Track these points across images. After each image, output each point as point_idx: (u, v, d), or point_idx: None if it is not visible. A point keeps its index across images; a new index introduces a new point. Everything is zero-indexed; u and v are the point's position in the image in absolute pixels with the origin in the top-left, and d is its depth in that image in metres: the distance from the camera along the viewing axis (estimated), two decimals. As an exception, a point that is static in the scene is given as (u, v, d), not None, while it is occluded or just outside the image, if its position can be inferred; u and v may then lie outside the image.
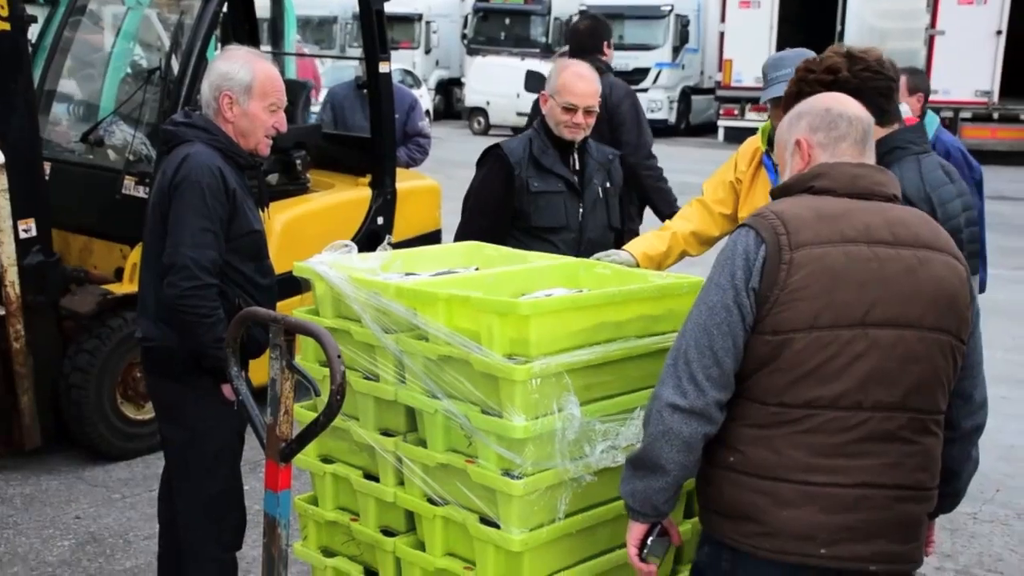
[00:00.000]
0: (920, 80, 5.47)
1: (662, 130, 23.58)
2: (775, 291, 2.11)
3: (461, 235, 3.74)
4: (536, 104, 4.26)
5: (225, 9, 6.16)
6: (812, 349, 2.11)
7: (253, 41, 6.58)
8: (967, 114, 18.79)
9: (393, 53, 22.17)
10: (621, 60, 23.64)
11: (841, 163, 2.25)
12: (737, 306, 2.14)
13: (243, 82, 3.20)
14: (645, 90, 23.52)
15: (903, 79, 5.39)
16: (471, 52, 24.95)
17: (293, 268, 3.02)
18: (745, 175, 3.64)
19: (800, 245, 2.12)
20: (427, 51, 25.91)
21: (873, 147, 2.30)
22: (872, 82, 2.75)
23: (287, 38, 7.41)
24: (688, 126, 24.55)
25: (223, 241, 3.15)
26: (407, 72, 20.86)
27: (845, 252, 2.12)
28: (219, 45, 7.21)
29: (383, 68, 6.00)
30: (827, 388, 2.11)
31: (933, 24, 19.03)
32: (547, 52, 24.55)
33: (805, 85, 2.85)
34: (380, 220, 6.14)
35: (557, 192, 3.78)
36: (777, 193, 2.32)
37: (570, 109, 3.74)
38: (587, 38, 5.60)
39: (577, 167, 3.86)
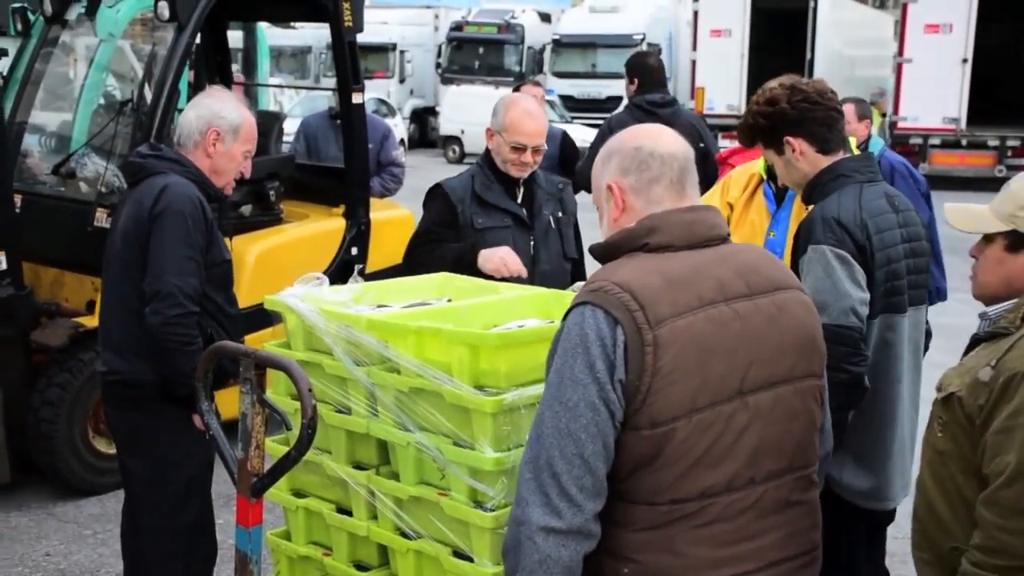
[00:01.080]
0: (865, 108, 5.63)
1: (636, 157, 23.80)
2: (645, 379, 1.82)
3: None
4: None
5: (198, 40, 6.19)
6: (697, 435, 1.86)
7: (225, 72, 6.59)
8: (936, 141, 18.99)
9: (367, 82, 22.25)
10: (594, 88, 23.90)
11: (673, 211, 1.98)
12: (604, 403, 1.83)
13: (233, 124, 3.32)
14: (619, 118, 23.66)
15: (850, 107, 5.52)
16: (445, 81, 25.08)
17: (264, 301, 3.01)
18: (738, 200, 3.65)
19: (660, 320, 1.84)
20: (401, 80, 26.00)
21: (695, 183, 2.05)
22: (811, 112, 2.84)
23: (260, 69, 7.42)
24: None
25: (203, 269, 3.20)
26: (381, 101, 20.92)
27: (708, 318, 1.88)
28: (191, 76, 7.23)
29: (356, 98, 6.02)
30: (718, 472, 1.88)
31: (901, 52, 19.26)
32: (521, 80, 24.70)
33: (750, 117, 2.95)
34: (354, 250, 6.14)
35: (503, 227, 3.69)
36: (600, 252, 2.04)
37: (518, 148, 3.65)
38: (659, 73, 5.87)
39: (522, 200, 3.78)
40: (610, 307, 1.85)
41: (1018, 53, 20.44)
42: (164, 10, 5.15)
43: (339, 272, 5.92)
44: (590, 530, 1.87)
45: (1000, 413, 2.02)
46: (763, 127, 2.93)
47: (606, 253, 2.01)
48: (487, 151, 3.78)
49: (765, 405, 1.93)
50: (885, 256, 2.82)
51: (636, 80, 6.00)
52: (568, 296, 3.22)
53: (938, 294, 5.10)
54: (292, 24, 9.57)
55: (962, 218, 2.36)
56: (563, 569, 1.85)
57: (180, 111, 7.15)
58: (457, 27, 25.98)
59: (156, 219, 3.17)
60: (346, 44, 5.95)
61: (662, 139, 2.05)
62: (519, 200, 3.81)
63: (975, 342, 2.27)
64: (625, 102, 6.30)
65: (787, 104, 2.87)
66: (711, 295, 1.90)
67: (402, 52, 25.88)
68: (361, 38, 5.97)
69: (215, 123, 3.30)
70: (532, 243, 3.80)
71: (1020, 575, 1.99)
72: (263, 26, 7.66)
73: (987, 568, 2.00)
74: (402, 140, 21.96)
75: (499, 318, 3.03)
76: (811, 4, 20.86)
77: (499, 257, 3.52)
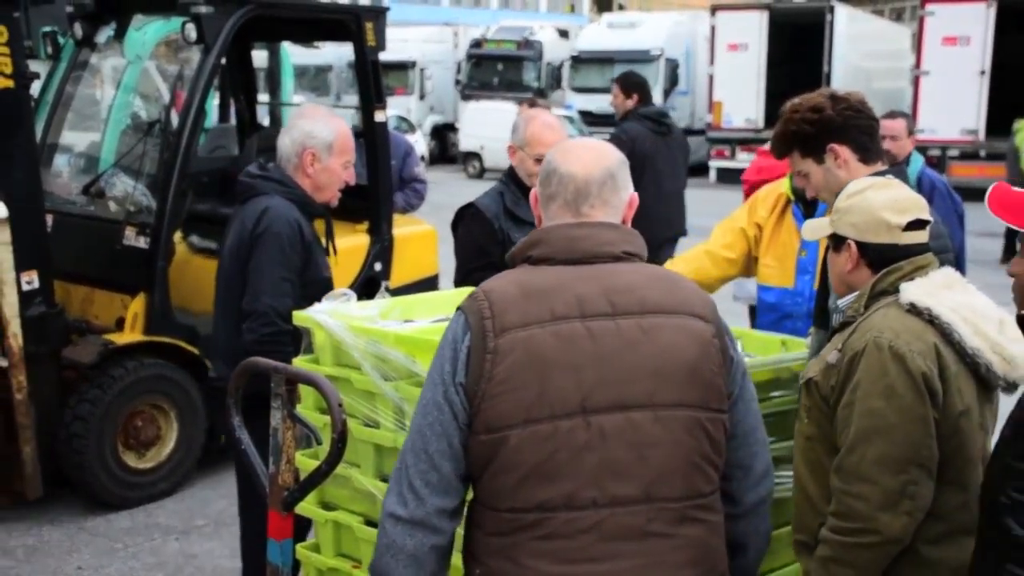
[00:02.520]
0: (912, 123, 5.65)
1: (654, 171, 23.83)
2: (482, 384, 1.87)
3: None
4: None
5: (224, 61, 6.30)
6: (531, 445, 1.86)
7: (250, 92, 6.69)
8: (954, 152, 18.98)
9: (388, 99, 22.37)
10: (613, 103, 23.91)
11: (559, 226, 1.99)
12: (448, 403, 1.90)
13: (326, 140, 3.47)
14: (637, 133, 23.69)
15: (901, 123, 5.54)
16: (465, 97, 25.20)
17: (293, 317, 3.08)
18: (767, 221, 3.64)
19: (505, 329, 1.87)
20: (421, 97, 26.14)
21: (605, 202, 2.02)
22: (855, 120, 2.87)
23: (284, 88, 7.52)
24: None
25: (298, 288, 3.37)
26: (402, 118, 21.04)
27: (555, 332, 1.87)
28: (217, 96, 7.34)
29: (379, 116, 6.10)
30: (556, 487, 1.87)
31: (918, 64, 19.28)
32: (540, 96, 24.79)
33: (792, 124, 2.95)
34: (378, 266, 6.21)
35: None
36: (508, 261, 2.09)
37: (540, 160, 3.73)
38: (649, 87, 6.57)
39: None
40: (469, 312, 1.93)
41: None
42: (192, 32, 5.25)
43: (363, 288, 5.99)
44: (434, 524, 1.93)
45: (846, 390, 2.20)
46: (807, 134, 2.92)
47: (509, 263, 2.07)
48: (511, 168, 3.85)
49: (612, 427, 1.88)
50: None
51: (636, 95, 6.72)
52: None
53: None
54: (315, 44, 9.63)
55: (813, 230, 2.52)
56: (408, 557, 1.93)
57: (206, 131, 7.36)
58: (476, 44, 26.11)
59: (256, 240, 3.36)
60: (369, 63, 6.04)
61: (569, 158, 2.05)
62: None
63: (832, 334, 2.42)
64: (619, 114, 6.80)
65: (832, 112, 2.88)
66: (565, 310, 1.90)
67: (422, 69, 26.03)
68: (382, 56, 6.06)
69: (308, 144, 3.45)
70: None
71: (866, 536, 2.14)
72: (286, 46, 7.75)
73: (840, 532, 2.17)
74: (422, 156, 22.07)
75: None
76: (828, 17, 20.89)
77: None
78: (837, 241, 2.40)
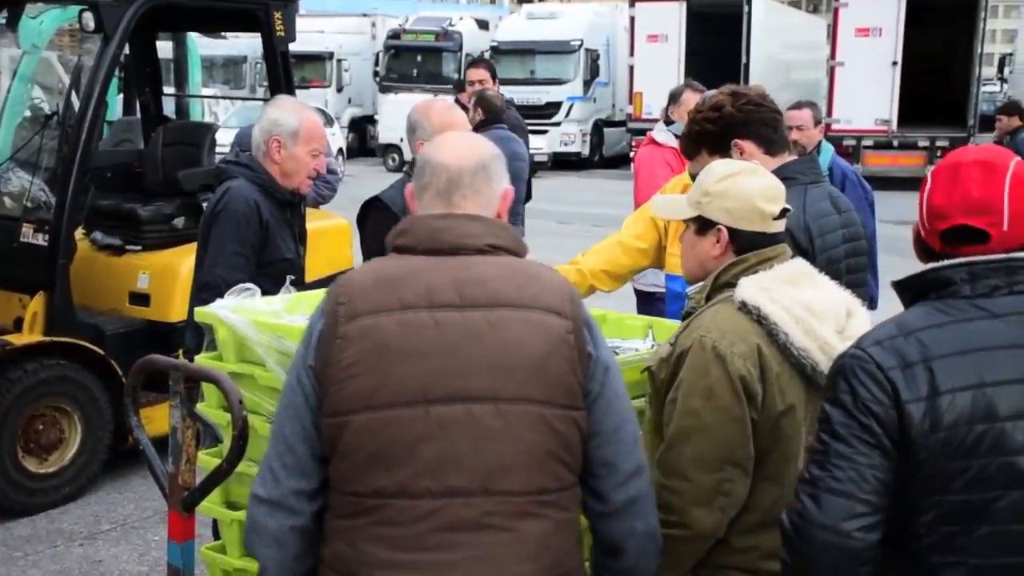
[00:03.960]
0: (819, 112, 5.71)
1: (575, 163, 23.91)
2: (329, 369, 1.91)
3: None
4: None
5: (127, 51, 6.11)
6: (370, 432, 1.89)
7: (156, 84, 6.51)
8: (868, 142, 19.39)
9: (305, 92, 21.96)
10: (533, 95, 23.95)
11: (424, 216, 2.03)
12: (300, 386, 1.95)
13: (291, 128, 3.61)
14: (558, 124, 23.82)
15: (807, 112, 5.59)
16: (383, 89, 24.95)
17: (195, 313, 2.97)
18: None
19: (354, 316, 1.91)
20: (339, 89, 25.81)
21: (478, 192, 2.04)
22: (756, 114, 2.92)
23: (191, 79, 7.32)
24: (601, 158, 24.88)
25: (254, 266, 3.53)
26: (319, 111, 20.73)
27: (400, 321, 1.90)
28: (121, 88, 7.12)
29: (289, 108, 5.94)
30: (393, 475, 1.89)
31: (833, 55, 19.65)
32: (459, 88, 24.67)
33: (696, 125, 3.00)
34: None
35: None
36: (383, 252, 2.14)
37: None
38: None
39: None
40: (328, 298, 1.99)
41: (944, 56, 20.93)
42: (89, 21, 5.06)
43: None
44: (291, 505, 1.96)
45: (672, 385, 2.25)
46: (711, 132, 2.97)
47: (386, 250, 2.09)
48: (414, 159, 3.80)
49: (451, 419, 1.88)
50: (826, 258, 2.89)
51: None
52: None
53: (870, 303, 5.19)
54: (223, 35, 9.42)
55: (665, 208, 2.55)
56: (270, 538, 1.97)
57: (109, 123, 7.14)
58: (394, 35, 25.84)
59: (215, 218, 3.57)
60: (278, 54, 5.90)
61: (443, 149, 2.08)
62: None
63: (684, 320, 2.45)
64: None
65: (733, 108, 2.94)
66: (413, 299, 1.91)
67: (339, 61, 25.70)
68: (298, 47, 5.94)
69: (274, 132, 3.61)
70: None
71: (680, 529, 2.19)
72: (194, 36, 7.55)
73: (661, 524, 2.18)
74: (341, 149, 21.83)
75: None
76: (745, 9, 21.14)
77: None
78: (704, 225, 2.38)
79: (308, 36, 25.98)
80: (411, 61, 25.34)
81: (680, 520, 2.20)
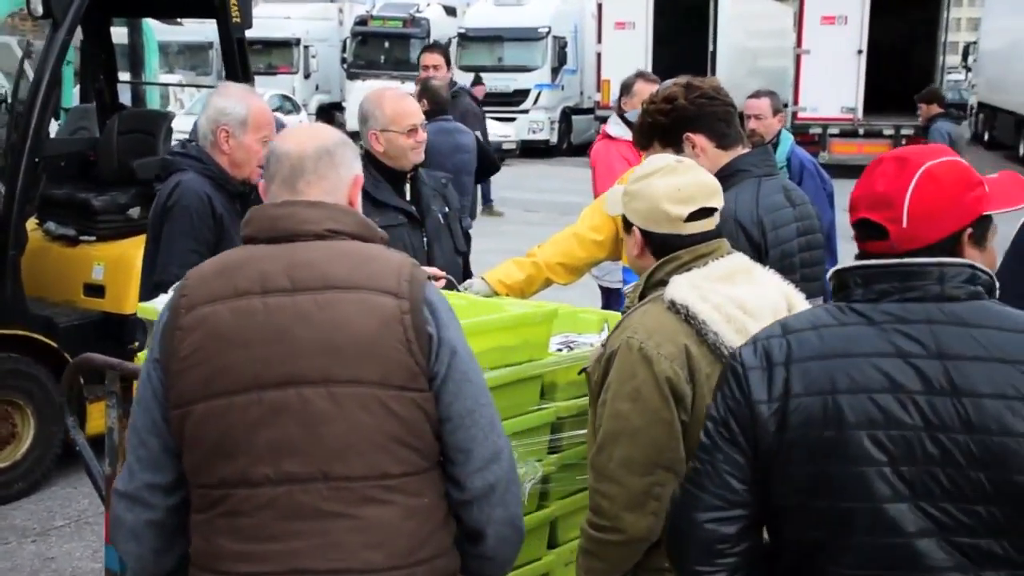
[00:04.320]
0: (778, 101, 5.67)
1: (544, 150, 23.85)
2: (172, 361, 1.91)
3: None
4: None
5: (82, 37, 6.00)
6: (210, 421, 1.88)
7: (110, 70, 6.39)
8: (835, 130, 19.44)
9: (271, 79, 21.85)
10: (501, 82, 23.86)
11: (265, 206, 2.04)
12: (149, 380, 1.96)
13: (239, 117, 3.49)
14: (526, 111, 23.74)
15: (765, 101, 5.55)
16: (351, 76, 24.78)
17: (137, 309, 2.91)
18: None
19: (193, 306, 1.92)
20: (306, 76, 25.63)
21: (322, 179, 2.04)
22: (709, 107, 2.87)
23: (148, 66, 7.21)
24: (570, 146, 24.83)
25: None
26: (285, 98, 20.62)
27: (233, 308, 1.90)
28: (75, 75, 6.99)
29: (246, 96, 5.86)
30: (234, 464, 1.88)
31: (799, 43, 19.69)
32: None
33: (648, 116, 2.95)
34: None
35: (397, 225, 3.68)
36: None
37: (412, 131, 3.69)
38: None
39: (410, 197, 3.79)
40: (175, 291, 2.01)
41: (908, 44, 21.03)
42: (37, 6, 4.95)
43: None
44: (146, 499, 1.95)
45: (603, 387, 2.22)
46: (662, 125, 2.93)
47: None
48: (366, 152, 3.75)
49: (284, 404, 1.87)
50: (780, 252, 2.86)
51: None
52: (448, 296, 3.19)
53: (830, 294, 5.18)
54: (178, 20, 9.29)
55: (607, 203, 2.49)
56: (128, 532, 1.97)
57: (65, 110, 7.00)
58: (362, 21, 25.65)
59: (167, 214, 3.46)
60: (235, 40, 5.80)
61: (286, 139, 2.10)
62: (408, 198, 3.79)
63: None
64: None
65: (685, 100, 2.89)
66: (247, 286, 1.92)
67: (306, 47, 25.51)
68: (264, 33, 5.91)
69: (221, 121, 3.49)
70: (425, 240, 3.78)
71: (613, 534, 2.17)
72: (151, 23, 7.42)
73: (592, 527, 2.21)
74: (308, 136, 21.63)
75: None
76: (712, -3, 21.14)
77: None
78: (627, 223, 2.36)
79: (275, 22, 25.78)
80: (378, 47, 25.18)
81: (612, 524, 2.17)
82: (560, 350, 3.07)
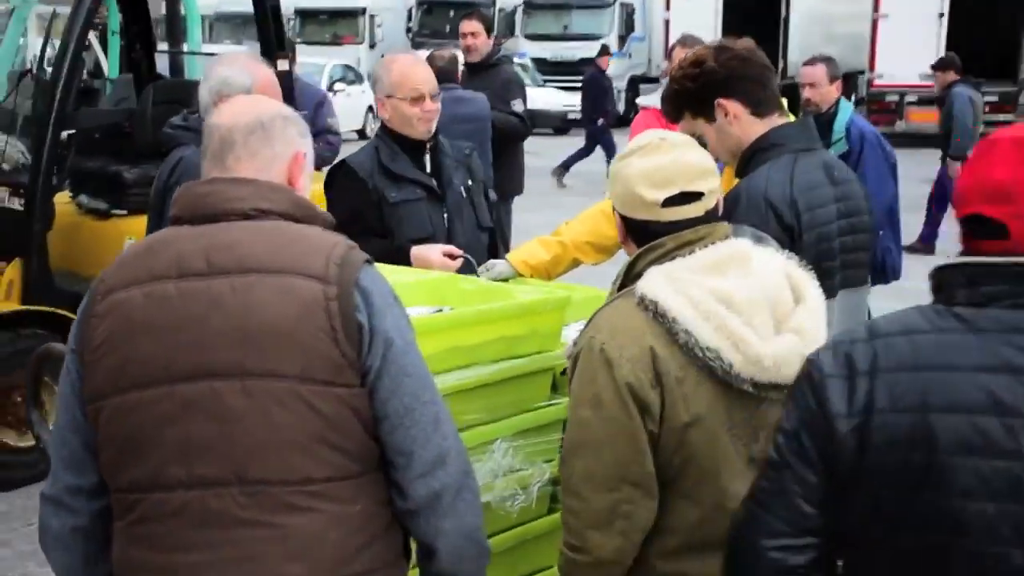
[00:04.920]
0: (836, 68, 5.30)
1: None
2: (87, 351, 1.75)
3: None
4: None
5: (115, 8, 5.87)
6: (120, 418, 1.72)
7: (147, 40, 6.26)
8: (912, 98, 18.71)
9: (336, 49, 21.79)
10: (567, 51, 23.49)
11: (193, 184, 1.88)
12: (68, 372, 1.80)
13: (243, 86, 3.27)
14: (593, 80, 23.31)
15: (821, 68, 5.22)
16: (416, 45, 24.54)
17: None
18: None
19: (109, 292, 1.76)
20: (372, 46, 25.47)
21: (254, 155, 1.86)
22: (742, 70, 2.59)
23: (190, 37, 7.06)
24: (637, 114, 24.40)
25: None
26: (348, 67, 20.51)
27: (147, 293, 1.73)
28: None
29: (281, 65, 5.67)
30: (145, 465, 1.72)
31: (876, 7, 18.96)
32: (495, 43, 24.23)
33: (675, 84, 2.68)
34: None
35: (416, 199, 3.48)
36: None
37: (417, 99, 3.44)
38: None
39: (431, 170, 3.57)
40: (97, 277, 1.84)
41: (992, 7, 20.10)
42: (63, -27, 4.82)
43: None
44: (69, 504, 1.82)
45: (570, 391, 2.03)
46: (691, 91, 2.65)
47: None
48: (383, 124, 3.54)
49: (195, 398, 1.69)
50: (815, 235, 2.57)
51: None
52: (458, 279, 2.97)
53: (893, 273, 4.85)
54: None
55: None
56: (54, 539, 1.84)
57: (112, 81, 6.90)
58: (427, -10, 25.50)
59: (169, 192, 3.30)
60: (268, 8, 5.62)
61: (221, 110, 1.95)
62: (428, 170, 3.56)
63: None
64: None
65: (715, 63, 2.61)
66: (163, 270, 1.75)
67: (372, 16, 25.35)
68: (330, 3, 5.70)
69: (225, 91, 3.26)
70: (446, 215, 3.56)
71: (581, 554, 1.95)
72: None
73: (565, 545, 2.00)
74: (371, 107, 21.53)
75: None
76: (785, -40, 20.49)
77: (439, 263, 3.28)
78: (613, 207, 2.12)
79: (341, -9, 25.74)
80: (444, 16, 24.90)
81: (579, 544, 1.95)
82: (580, 338, 2.84)
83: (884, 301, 6.34)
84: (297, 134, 1.93)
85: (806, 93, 5.18)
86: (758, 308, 1.92)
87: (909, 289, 6.84)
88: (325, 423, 1.71)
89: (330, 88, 18.60)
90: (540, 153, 17.72)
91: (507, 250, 4.70)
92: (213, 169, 1.87)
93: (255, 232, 1.78)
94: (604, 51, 16.34)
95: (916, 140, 17.17)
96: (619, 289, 2.07)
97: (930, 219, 10.10)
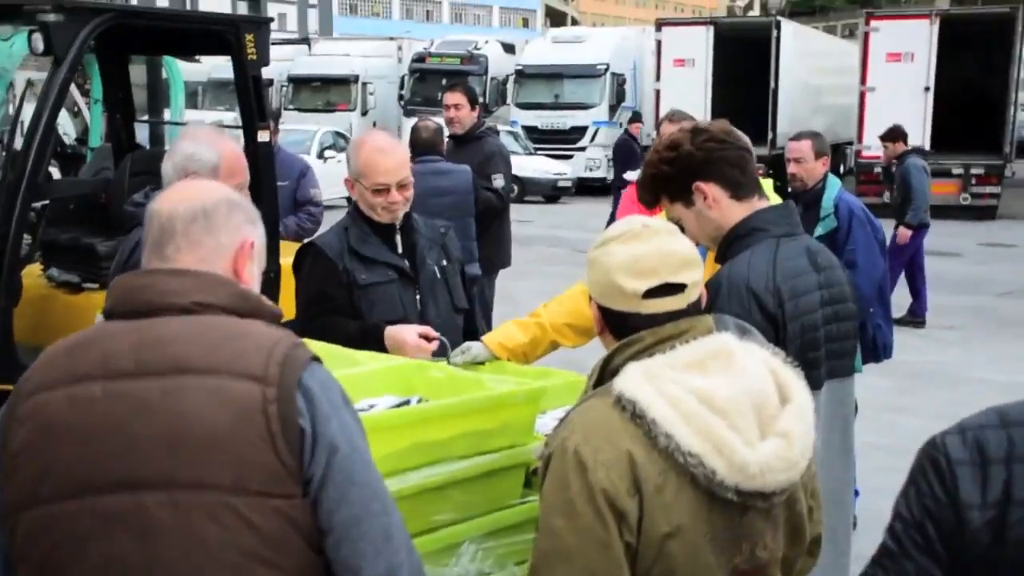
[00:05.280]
0: (823, 143, 5.23)
1: (601, 188, 23.51)
2: (5, 458, 1.61)
3: None
4: None
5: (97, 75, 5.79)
6: (38, 533, 1.58)
7: (127, 109, 6.19)
8: (901, 169, 18.80)
9: (329, 116, 21.80)
10: (559, 119, 23.64)
11: (127, 275, 1.76)
12: None
13: (210, 163, 3.18)
14: (583, 149, 23.47)
15: (806, 143, 5.16)
16: (408, 113, 24.72)
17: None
18: None
19: (31, 393, 1.63)
20: (364, 112, 25.61)
21: (195, 245, 1.75)
22: (719, 152, 2.49)
23: (174, 105, 7.01)
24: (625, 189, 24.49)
25: None
26: (339, 135, 20.53)
27: (71, 395, 1.60)
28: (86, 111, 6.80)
29: (262, 136, 5.60)
30: None
31: (863, 81, 19.15)
32: (484, 111, 24.38)
33: (651, 168, 2.58)
34: (262, 299, 5.70)
35: (387, 282, 3.36)
36: None
37: (380, 190, 3.32)
38: None
39: (403, 250, 3.44)
40: (22, 375, 1.71)
41: (979, 81, 20.35)
42: (39, 42, 4.72)
43: (247, 322, 5.48)
44: None
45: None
46: (667, 176, 2.57)
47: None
48: (354, 203, 3.44)
49: (117, 512, 1.56)
50: (799, 326, 2.46)
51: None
52: (428, 366, 2.83)
53: (884, 351, 4.75)
54: (197, 58, 9.15)
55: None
56: None
57: (92, 150, 6.82)
58: (420, 58, 25.66)
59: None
60: (250, 79, 5.55)
61: (163, 195, 1.82)
62: (400, 250, 3.44)
63: None
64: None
65: (691, 146, 2.52)
66: (89, 369, 1.61)
67: (364, 84, 25.51)
68: (324, 71, 5.65)
69: (191, 168, 3.17)
70: (419, 297, 3.43)
71: None
72: (178, 61, 7.24)
73: None
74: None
75: (351, 395, 2.64)
76: (774, 33, 20.74)
77: (413, 344, 3.15)
78: (590, 296, 2.00)
79: (334, 59, 25.94)
80: (436, 84, 25.08)
81: None
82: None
83: (879, 378, 6.25)
84: (245, 221, 1.82)
85: (791, 168, 5.13)
86: (743, 410, 1.78)
87: (903, 363, 6.71)
88: (260, 538, 1.57)
89: (320, 155, 18.60)
90: (531, 221, 17.75)
91: (489, 327, 4.57)
92: (152, 259, 1.75)
93: (191, 328, 1.65)
94: (636, 118, 16.43)
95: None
96: (595, 385, 1.93)
97: (913, 290, 10.07)
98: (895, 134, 10.31)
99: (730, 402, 1.77)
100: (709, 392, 1.77)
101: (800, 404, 1.85)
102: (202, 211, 1.75)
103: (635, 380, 1.80)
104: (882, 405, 6.67)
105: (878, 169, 18.38)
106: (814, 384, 2.47)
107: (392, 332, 3.21)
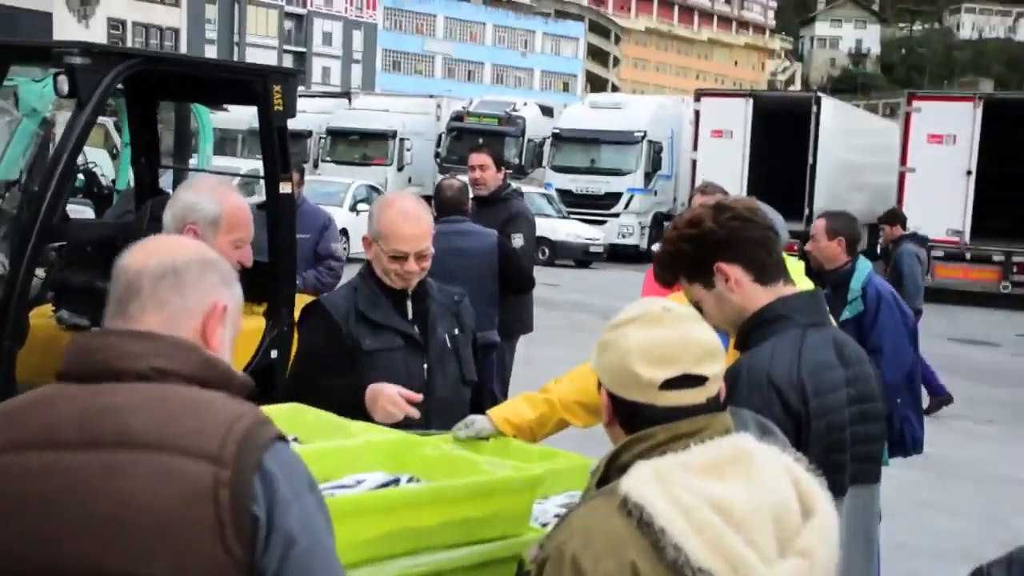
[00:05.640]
0: (841, 224, 5.07)
1: (633, 256, 23.40)
2: None
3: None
4: None
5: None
6: None
7: (152, 155, 6.14)
8: (939, 253, 18.52)
9: (365, 169, 21.95)
10: (594, 184, 23.62)
11: (85, 334, 1.64)
12: None
13: (210, 215, 3.06)
14: (617, 215, 23.40)
15: (820, 222, 5.05)
16: (443, 170, 24.81)
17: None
18: None
19: None
20: (400, 168, 25.76)
21: (161, 304, 1.61)
22: (744, 232, 2.31)
23: (202, 152, 6.98)
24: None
25: None
26: (373, 188, 20.61)
27: (4, 465, 1.47)
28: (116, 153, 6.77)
29: (284, 188, 5.51)
30: None
31: (903, 161, 18.97)
32: (520, 173, 24.42)
33: (670, 245, 2.41)
34: (274, 353, 5.56)
35: (394, 349, 3.19)
36: None
37: (398, 258, 3.17)
38: None
39: (413, 315, 3.28)
40: None
41: (1020, 163, 20.11)
42: (64, 85, 4.67)
43: (257, 377, 5.31)
44: None
45: None
46: (687, 254, 2.39)
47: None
48: (367, 263, 3.29)
49: None
50: (824, 424, 2.26)
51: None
52: (423, 444, 2.66)
53: (914, 445, 4.54)
54: (224, 107, 9.17)
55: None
56: None
57: (118, 193, 6.78)
58: (458, 117, 25.83)
59: None
60: (275, 129, 5.47)
61: (133, 249, 1.67)
62: (410, 316, 3.29)
63: None
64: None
65: (714, 223, 2.34)
66: (28, 438, 1.48)
67: (402, 140, 25.70)
68: (362, 124, 5.59)
69: (190, 218, 3.05)
70: (426, 366, 3.27)
71: None
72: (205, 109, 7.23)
73: None
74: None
75: (337, 470, 2.47)
76: (813, 108, 20.68)
77: (382, 408, 2.99)
78: (599, 382, 1.83)
79: (373, 114, 26.19)
80: (472, 143, 25.08)
81: None
82: (558, 517, 2.51)
83: (908, 470, 5.97)
84: (219, 282, 1.67)
85: (807, 246, 5.08)
86: (761, 523, 1.59)
87: (935, 457, 6.40)
88: None
89: (353, 207, 18.64)
90: (560, 285, 17.60)
91: (505, 396, 4.39)
92: (114, 318, 1.61)
93: (146, 397, 1.51)
94: (521, 171, 16.33)
95: (943, 295, 16.92)
96: (599, 483, 1.76)
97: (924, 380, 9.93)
98: (893, 217, 10.21)
99: (748, 513, 1.58)
100: (726, 501, 1.59)
101: (824, 519, 1.66)
102: (172, 268, 1.62)
103: (645, 481, 1.62)
104: (912, 501, 6.38)
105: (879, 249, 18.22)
106: (837, 490, 2.26)
107: (371, 389, 3.05)
